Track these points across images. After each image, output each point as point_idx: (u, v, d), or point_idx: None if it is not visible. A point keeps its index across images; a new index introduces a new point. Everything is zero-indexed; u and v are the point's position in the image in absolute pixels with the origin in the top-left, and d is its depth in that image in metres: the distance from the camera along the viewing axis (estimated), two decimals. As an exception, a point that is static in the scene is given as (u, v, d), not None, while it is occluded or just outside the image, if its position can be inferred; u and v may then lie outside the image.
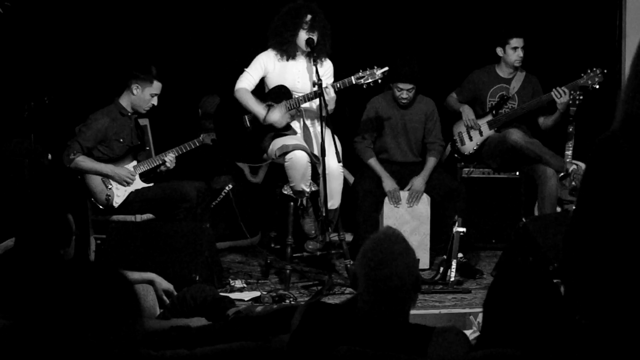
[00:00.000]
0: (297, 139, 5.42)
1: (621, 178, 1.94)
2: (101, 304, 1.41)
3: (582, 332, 2.01)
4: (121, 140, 5.61)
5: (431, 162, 5.93)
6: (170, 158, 5.62)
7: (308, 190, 5.37)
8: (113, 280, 1.46)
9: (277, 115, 5.38)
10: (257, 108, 5.43)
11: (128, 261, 4.85)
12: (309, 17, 5.37)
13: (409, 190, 5.89)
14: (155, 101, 5.61)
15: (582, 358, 2.03)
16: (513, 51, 6.18)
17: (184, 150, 5.69)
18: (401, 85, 5.85)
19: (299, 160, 5.28)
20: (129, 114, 5.64)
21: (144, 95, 5.58)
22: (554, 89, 6.01)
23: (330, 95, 5.30)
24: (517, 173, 6.28)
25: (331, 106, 5.33)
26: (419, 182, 5.87)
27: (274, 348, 2.44)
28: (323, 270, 5.49)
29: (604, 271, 1.97)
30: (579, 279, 2.00)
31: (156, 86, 5.58)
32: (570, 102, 6.02)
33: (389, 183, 5.87)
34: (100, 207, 5.51)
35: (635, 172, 1.93)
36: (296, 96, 5.41)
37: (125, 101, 5.62)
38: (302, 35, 5.39)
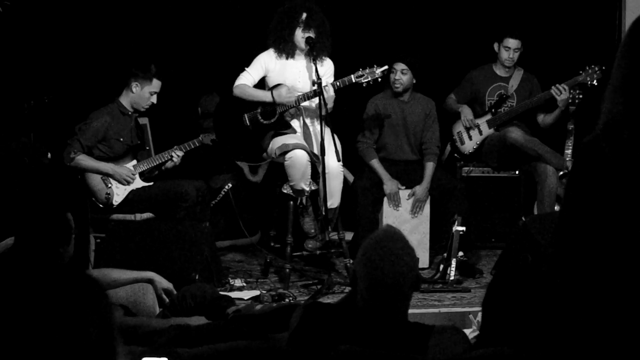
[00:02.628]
0: (296, 138, 5.42)
1: (602, 181, 1.95)
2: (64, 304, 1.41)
3: (581, 330, 2.01)
4: (121, 139, 5.61)
5: (430, 167, 5.91)
6: (178, 154, 5.62)
7: (308, 189, 5.37)
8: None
9: (285, 92, 5.36)
10: (261, 93, 5.43)
11: (128, 260, 4.84)
12: (304, 15, 5.37)
13: (411, 198, 5.87)
14: (154, 99, 5.61)
15: (581, 357, 2.03)
16: (505, 50, 6.19)
17: (184, 150, 5.69)
18: (395, 66, 5.83)
19: (298, 160, 5.28)
20: (130, 113, 5.65)
21: (143, 93, 5.58)
22: (553, 86, 6.02)
23: (329, 94, 5.30)
24: (517, 172, 6.28)
25: (330, 105, 5.32)
26: (421, 191, 5.85)
27: (274, 347, 2.44)
28: (323, 269, 5.49)
29: (590, 272, 1.97)
30: (566, 280, 2.01)
31: (156, 84, 5.59)
32: (570, 100, 6.04)
33: (389, 185, 5.85)
34: (100, 205, 5.51)
35: (617, 176, 1.94)
36: (296, 95, 5.41)
37: (125, 100, 5.62)
38: (299, 34, 5.39)
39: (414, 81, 5.92)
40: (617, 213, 1.94)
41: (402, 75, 5.85)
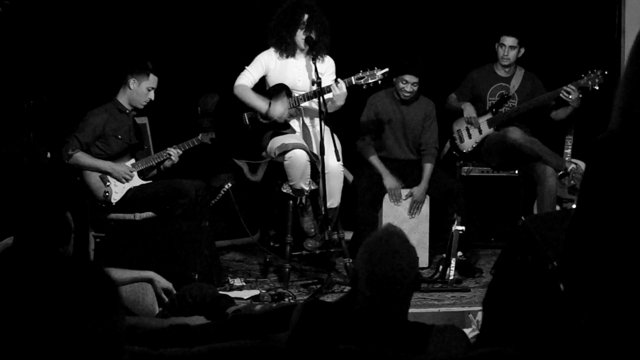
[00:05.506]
0: (296, 138, 5.42)
1: (622, 178, 1.94)
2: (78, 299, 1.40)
3: (582, 331, 2.01)
4: (119, 136, 5.60)
5: (428, 168, 5.91)
6: (176, 152, 5.62)
7: (307, 188, 5.37)
8: (89, 275, 1.45)
9: (279, 109, 5.37)
10: (259, 102, 5.42)
11: (127, 259, 4.84)
12: (305, 15, 5.37)
13: (409, 198, 5.87)
14: (152, 95, 5.60)
15: (582, 358, 2.03)
16: (501, 48, 6.19)
17: (183, 149, 5.69)
18: (407, 78, 5.82)
19: (298, 159, 5.28)
20: (127, 111, 5.64)
21: (141, 89, 5.57)
22: (562, 90, 5.99)
23: (342, 90, 5.28)
24: (516, 172, 6.28)
25: (341, 102, 5.32)
26: (419, 191, 5.86)
27: (273, 346, 2.44)
28: (322, 268, 5.49)
29: (605, 272, 1.97)
30: (579, 279, 2.00)
31: (152, 79, 5.58)
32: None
33: (390, 181, 5.86)
34: (99, 203, 5.50)
35: (636, 172, 1.93)
36: (296, 95, 5.41)
37: (122, 98, 5.62)
38: (300, 34, 5.39)
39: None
40: (636, 210, 1.93)
41: (413, 88, 5.85)
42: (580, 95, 6.03)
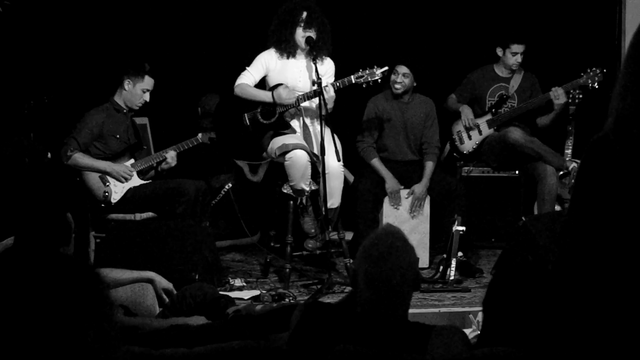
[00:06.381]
0: (296, 138, 5.42)
1: (613, 178, 1.95)
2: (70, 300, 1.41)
3: (581, 330, 2.01)
4: (117, 136, 5.61)
5: (430, 166, 5.92)
6: (171, 155, 5.62)
7: (308, 189, 5.37)
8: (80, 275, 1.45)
9: (284, 92, 5.36)
10: (262, 93, 5.43)
11: (128, 260, 4.84)
12: (304, 14, 5.38)
13: (410, 196, 5.87)
14: (147, 97, 5.61)
15: (582, 358, 2.03)
16: (512, 55, 6.20)
17: (181, 149, 5.69)
18: (397, 68, 5.84)
19: (298, 159, 5.28)
20: (124, 110, 5.65)
21: (135, 91, 5.58)
22: (552, 90, 6.01)
23: (329, 94, 5.30)
24: (517, 172, 6.28)
25: (330, 105, 5.33)
26: (420, 189, 5.86)
27: (274, 347, 2.44)
28: (323, 269, 5.49)
29: (598, 271, 1.97)
30: (573, 279, 2.01)
31: (147, 81, 5.59)
32: (570, 100, 6.04)
33: (391, 184, 5.86)
34: (99, 203, 5.50)
35: (627, 173, 1.94)
36: (297, 95, 5.41)
37: (119, 98, 5.63)
38: (300, 33, 5.39)
39: (415, 84, 5.93)
40: (627, 210, 1.94)
41: (403, 79, 5.86)
42: (581, 95, 6.04)
